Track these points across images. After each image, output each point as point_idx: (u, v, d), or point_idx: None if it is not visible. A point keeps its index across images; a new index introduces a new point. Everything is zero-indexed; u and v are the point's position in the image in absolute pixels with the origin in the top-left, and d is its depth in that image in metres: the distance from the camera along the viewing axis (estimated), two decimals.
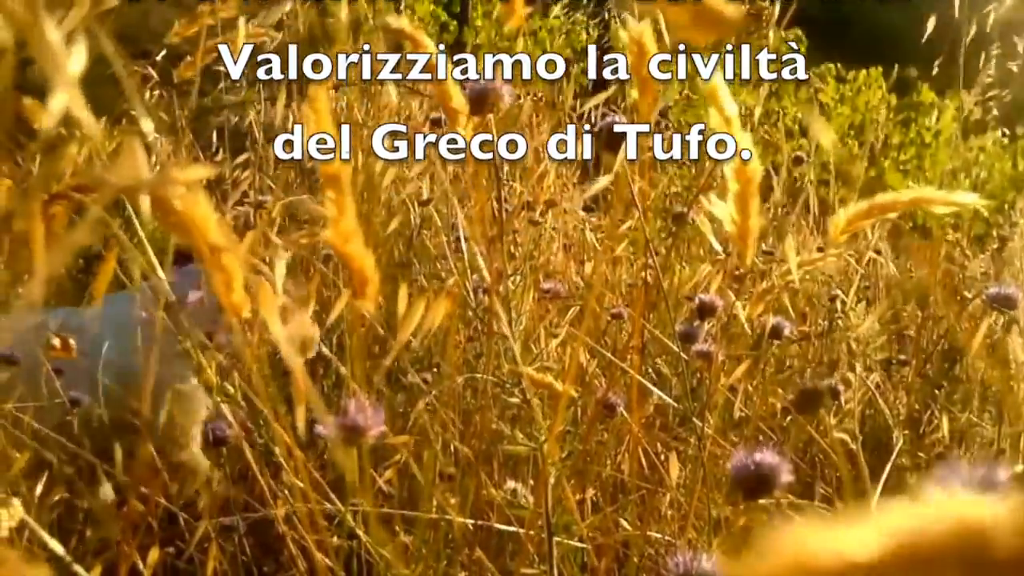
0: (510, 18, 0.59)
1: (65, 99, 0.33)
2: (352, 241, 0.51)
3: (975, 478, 0.40)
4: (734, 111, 0.54)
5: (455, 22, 6.08)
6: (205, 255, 0.47)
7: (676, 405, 1.09)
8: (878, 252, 1.93)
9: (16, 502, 0.58)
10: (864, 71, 4.48)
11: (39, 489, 1.06)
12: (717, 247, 1.07)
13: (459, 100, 0.64)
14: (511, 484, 0.97)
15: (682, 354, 1.05)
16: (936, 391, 1.59)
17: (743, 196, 0.53)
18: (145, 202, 0.47)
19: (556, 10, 4.29)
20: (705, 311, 1.13)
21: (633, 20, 0.61)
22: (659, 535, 1.08)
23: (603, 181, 1.00)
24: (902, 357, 1.67)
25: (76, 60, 0.34)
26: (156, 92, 2.39)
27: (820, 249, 2.16)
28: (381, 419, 0.59)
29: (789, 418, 1.34)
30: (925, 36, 2.02)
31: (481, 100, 0.76)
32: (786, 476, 0.60)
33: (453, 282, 0.96)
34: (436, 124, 1.60)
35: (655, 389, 1.06)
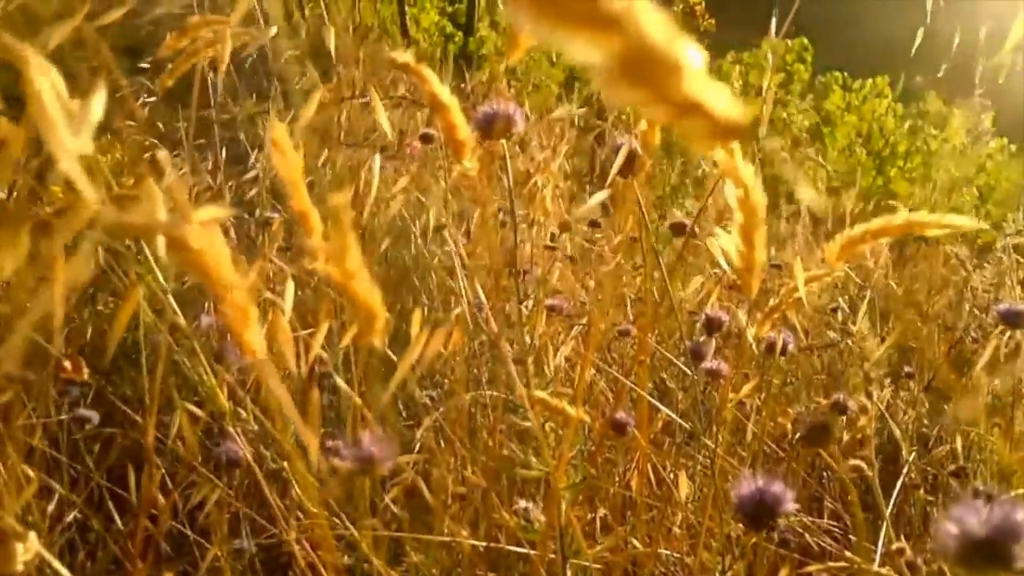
0: (513, 51, 0.59)
1: (65, 172, 0.34)
2: (357, 278, 0.51)
3: (993, 518, 0.40)
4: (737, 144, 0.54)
5: (460, 33, 6.11)
6: (220, 293, 0.47)
7: (685, 425, 1.09)
8: (876, 264, 1.93)
9: (32, 535, 0.58)
10: (871, 80, 4.49)
11: (50, 509, 1.07)
12: (724, 265, 1.07)
13: (465, 132, 0.65)
14: (522, 503, 0.97)
15: (690, 371, 1.06)
16: (944, 406, 1.59)
17: (747, 227, 0.53)
18: (161, 241, 0.48)
19: None
20: (712, 327, 1.13)
21: None
22: (669, 552, 1.08)
23: (601, 195, 1.01)
24: (908, 370, 1.67)
25: (84, 136, 0.34)
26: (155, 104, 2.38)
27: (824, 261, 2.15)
28: (394, 450, 0.59)
29: (797, 435, 1.34)
30: (913, 49, 2.03)
31: (490, 125, 0.76)
32: (790, 505, 0.60)
33: (460, 311, 0.97)
34: (426, 140, 1.60)
35: (663, 407, 1.06)
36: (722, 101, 0.22)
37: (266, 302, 1.20)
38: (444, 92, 0.63)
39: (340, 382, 0.65)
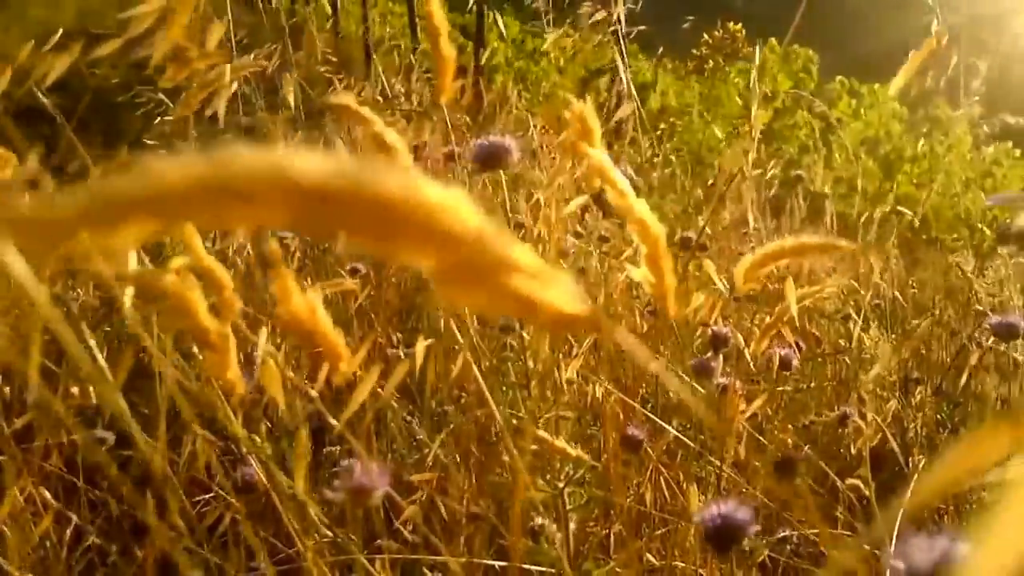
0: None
1: None
2: (315, 318, 0.50)
3: (936, 553, 0.42)
4: (626, 185, 0.55)
5: (471, 44, 6.13)
6: (198, 336, 0.48)
7: (691, 444, 1.10)
8: (881, 275, 1.94)
9: None
10: (877, 85, 4.48)
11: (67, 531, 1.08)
12: (720, 286, 1.09)
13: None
14: (538, 520, 0.98)
15: (696, 387, 1.07)
16: (951, 410, 1.59)
17: (653, 257, 0.53)
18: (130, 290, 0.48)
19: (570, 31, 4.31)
20: (718, 343, 1.14)
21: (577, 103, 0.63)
22: (684, 565, 1.08)
23: (581, 200, 1.03)
24: (916, 375, 1.67)
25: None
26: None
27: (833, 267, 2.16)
28: (387, 479, 0.60)
29: (807, 448, 1.34)
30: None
31: (487, 157, 0.77)
32: (753, 528, 0.61)
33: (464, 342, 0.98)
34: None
35: (671, 428, 1.07)
36: (560, 296, 0.22)
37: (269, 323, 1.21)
38: (389, 134, 0.62)
39: (331, 419, 0.66)
